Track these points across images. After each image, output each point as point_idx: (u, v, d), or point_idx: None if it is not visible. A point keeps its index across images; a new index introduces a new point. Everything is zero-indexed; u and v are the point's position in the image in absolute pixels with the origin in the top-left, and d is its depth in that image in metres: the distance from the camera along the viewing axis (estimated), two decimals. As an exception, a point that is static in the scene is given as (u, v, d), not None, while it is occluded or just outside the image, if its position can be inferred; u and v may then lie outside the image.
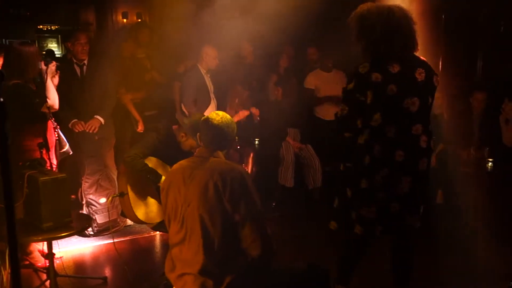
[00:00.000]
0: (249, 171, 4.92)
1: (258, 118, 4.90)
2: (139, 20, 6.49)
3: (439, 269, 3.55)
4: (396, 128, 2.41)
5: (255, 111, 4.90)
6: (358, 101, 2.43)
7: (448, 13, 5.50)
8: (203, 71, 4.70)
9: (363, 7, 2.48)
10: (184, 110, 4.55)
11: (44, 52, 3.51)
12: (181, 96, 4.72)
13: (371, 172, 2.46)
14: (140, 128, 4.65)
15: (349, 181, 2.58)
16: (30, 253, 3.58)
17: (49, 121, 3.50)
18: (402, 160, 2.42)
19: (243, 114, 4.78)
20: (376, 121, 2.40)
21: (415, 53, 2.51)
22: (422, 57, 2.54)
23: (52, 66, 3.43)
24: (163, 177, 3.16)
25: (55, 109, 3.55)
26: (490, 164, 4.12)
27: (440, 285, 3.36)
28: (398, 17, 2.39)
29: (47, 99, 3.39)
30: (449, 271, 3.52)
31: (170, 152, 3.34)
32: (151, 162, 3.27)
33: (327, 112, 5.25)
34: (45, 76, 3.40)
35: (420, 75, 2.43)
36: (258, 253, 2.14)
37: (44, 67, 3.40)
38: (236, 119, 4.60)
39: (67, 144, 3.71)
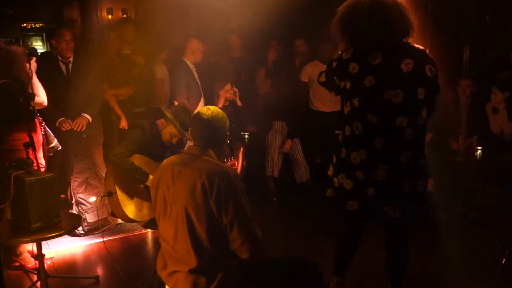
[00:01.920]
0: (240, 165, 4.91)
1: (239, 102, 4.84)
2: (124, 15, 6.41)
3: (432, 256, 3.58)
4: (377, 117, 2.38)
5: (235, 90, 4.83)
6: (335, 83, 2.52)
7: (434, 3, 5.51)
8: (190, 66, 4.66)
9: (344, 3, 2.47)
10: None
11: (27, 51, 3.44)
12: (172, 92, 4.67)
13: (352, 145, 2.48)
14: (123, 124, 4.60)
15: (335, 148, 2.63)
16: (20, 254, 3.54)
17: (36, 120, 3.45)
18: (382, 148, 2.39)
19: (224, 94, 4.67)
20: (355, 104, 2.43)
21: (408, 40, 2.43)
22: (417, 45, 2.44)
23: (33, 62, 3.38)
24: (150, 176, 3.14)
25: (45, 105, 3.50)
26: (479, 152, 4.14)
27: (433, 270, 3.39)
28: (380, 7, 2.34)
29: (36, 96, 3.35)
30: (442, 257, 3.55)
31: (156, 148, 3.30)
32: (137, 159, 3.23)
33: (323, 103, 5.25)
34: (31, 73, 3.35)
35: (406, 66, 2.34)
36: (247, 257, 2.12)
37: (27, 64, 3.35)
38: (220, 104, 4.58)
39: (55, 139, 3.67)
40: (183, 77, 4.60)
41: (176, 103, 4.51)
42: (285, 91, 5.05)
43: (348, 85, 2.43)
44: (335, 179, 2.61)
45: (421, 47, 2.44)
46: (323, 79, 2.64)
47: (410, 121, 2.36)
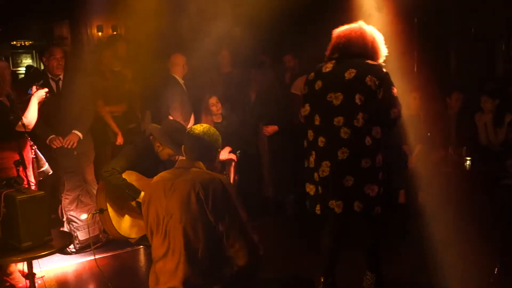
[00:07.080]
0: (232, 180, 4.91)
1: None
2: (115, 32, 6.45)
3: (423, 265, 3.59)
4: (321, 117, 2.77)
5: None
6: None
7: (421, 16, 5.62)
8: (181, 81, 4.67)
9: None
10: None
11: (32, 70, 3.50)
12: (165, 108, 4.66)
13: (307, 154, 2.86)
14: (119, 140, 4.60)
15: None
16: (11, 274, 3.50)
17: (26, 138, 3.44)
18: (323, 146, 2.74)
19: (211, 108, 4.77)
20: (306, 110, 2.86)
21: (369, 61, 2.75)
22: (370, 62, 2.74)
23: (42, 91, 3.45)
24: (142, 192, 3.12)
25: (30, 128, 3.48)
26: (468, 162, 4.18)
27: (423, 280, 3.39)
28: (352, 35, 2.77)
29: (23, 117, 3.33)
30: (431, 266, 3.55)
31: (149, 164, 3.29)
32: (130, 176, 3.22)
33: None
34: (31, 97, 3.37)
35: (349, 74, 2.69)
36: (244, 262, 2.13)
37: (34, 89, 3.43)
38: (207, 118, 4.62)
39: (46, 163, 3.64)
40: (177, 93, 4.61)
41: (171, 117, 4.51)
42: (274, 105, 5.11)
43: (305, 91, 2.91)
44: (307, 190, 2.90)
45: (375, 63, 2.75)
46: None
47: (345, 121, 2.67)
